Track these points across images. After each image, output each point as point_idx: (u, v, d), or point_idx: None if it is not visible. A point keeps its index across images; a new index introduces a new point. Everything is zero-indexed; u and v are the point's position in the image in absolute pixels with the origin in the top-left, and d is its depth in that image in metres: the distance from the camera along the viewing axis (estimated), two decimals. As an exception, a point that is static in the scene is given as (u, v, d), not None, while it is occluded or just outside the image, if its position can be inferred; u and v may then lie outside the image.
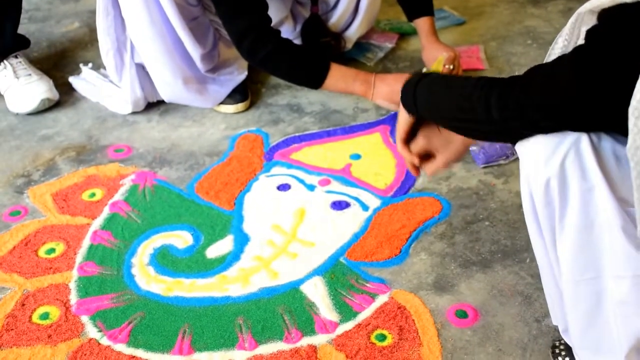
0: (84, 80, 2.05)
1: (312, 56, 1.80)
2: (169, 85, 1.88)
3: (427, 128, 1.21)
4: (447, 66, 1.87)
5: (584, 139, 0.94)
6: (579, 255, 1.01)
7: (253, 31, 1.74)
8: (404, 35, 2.25)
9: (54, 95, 1.99)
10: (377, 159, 1.75)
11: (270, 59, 1.78)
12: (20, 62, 2.01)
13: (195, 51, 1.84)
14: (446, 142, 1.20)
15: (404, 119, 1.20)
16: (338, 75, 1.79)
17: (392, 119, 1.88)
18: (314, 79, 1.79)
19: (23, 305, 1.39)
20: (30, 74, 1.99)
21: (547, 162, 0.97)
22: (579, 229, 0.99)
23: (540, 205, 1.01)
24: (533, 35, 2.17)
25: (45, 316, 1.37)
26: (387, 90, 1.78)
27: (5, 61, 2.00)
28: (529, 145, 1.00)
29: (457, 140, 1.19)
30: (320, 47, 2.02)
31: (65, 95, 2.04)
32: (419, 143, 1.22)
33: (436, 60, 1.87)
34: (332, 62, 1.78)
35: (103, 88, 2.01)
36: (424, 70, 1.91)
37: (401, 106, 1.19)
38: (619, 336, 1.02)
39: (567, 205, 0.98)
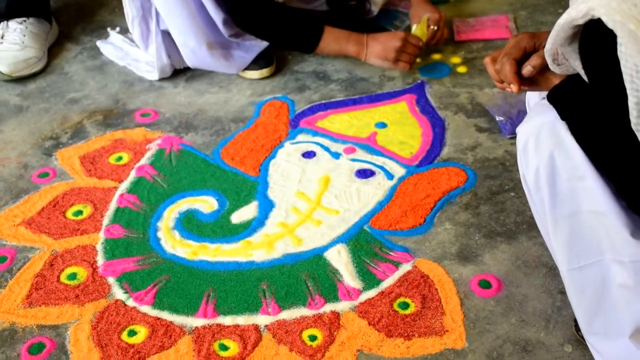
0: (111, 45, 2.04)
1: (305, 21, 1.82)
2: (194, 50, 1.86)
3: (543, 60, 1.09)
4: (431, 27, 1.89)
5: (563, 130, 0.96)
6: (573, 244, 1.02)
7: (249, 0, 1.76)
8: (432, 4, 2.19)
9: (11, 71, 1.92)
10: (402, 127, 1.72)
11: (264, 25, 1.81)
12: (18, 29, 1.97)
13: (217, 15, 1.82)
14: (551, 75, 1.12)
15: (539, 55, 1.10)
16: (331, 38, 1.81)
17: (419, 88, 1.85)
18: (308, 44, 1.82)
19: (52, 265, 1.41)
20: (15, 43, 1.94)
21: (537, 150, 0.98)
22: (570, 218, 1.00)
23: (532, 190, 1.03)
24: (564, 4, 2.11)
25: (72, 276, 1.38)
26: (380, 48, 1.81)
27: (6, 22, 1.98)
28: (522, 130, 1.01)
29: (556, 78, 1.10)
30: (347, 11, 2.01)
31: (93, 60, 2.04)
32: (537, 60, 1.10)
33: (421, 19, 1.88)
34: (325, 26, 1.80)
35: (130, 52, 2.00)
36: (413, 29, 1.89)
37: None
38: (623, 318, 1.02)
39: (556, 195, 0.99)
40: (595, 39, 0.84)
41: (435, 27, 1.89)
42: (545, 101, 1.00)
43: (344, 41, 1.81)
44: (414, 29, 1.88)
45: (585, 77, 0.92)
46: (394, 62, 1.81)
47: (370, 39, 1.81)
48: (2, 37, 1.96)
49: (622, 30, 0.79)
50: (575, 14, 0.85)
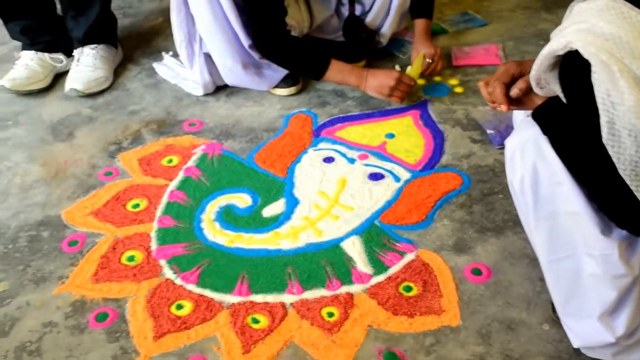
0: (165, 66, 2.05)
1: (316, 53, 1.81)
2: (231, 69, 1.85)
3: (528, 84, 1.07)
4: (427, 60, 1.86)
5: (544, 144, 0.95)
6: (552, 239, 1.01)
7: (270, 32, 1.75)
8: (433, 34, 2.17)
9: (85, 88, 1.93)
10: (408, 138, 1.71)
11: (282, 55, 1.79)
12: (91, 54, 1.99)
13: (245, 41, 1.80)
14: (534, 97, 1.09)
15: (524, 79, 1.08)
16: (336, 69, 1.79)
17: (422, 105, 1.84)
18: (317, 72, 1.80)
19: (114, 249, 1.41)
20: (88, 65, 1.96)
21: (522, 160, 0.98)
22: (549, 218, 0.99)
23: (518, 194, 1.02)
24: (545, 37, 2.07)
25: (131, 258, 1.39)
26: (377, 84, 1.77)
27: (82, 47, 2.00)
28: (509, 142, 1.01)
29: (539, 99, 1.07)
30: (360, 42, 1.99)
31: (150, 78, 2.04)
32: (522, 84, 1.08)
33: (417, 56, 1.85)
34: (332, 59, 1.78)
35: (180, 72, 2.00)
36: (408, 69, 1.84)
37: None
38: (592, 302, 1.02)
39: (538, 198, 0.98)
40: (573, 67, 0.84)
41: (430, 60, 1.86)
42: (530, 118, 0.99)
43: (347, 74, 1.78)
44: (409, 69, 1.83)
45: (564, 99, 0.91)
46: (387, 96, 1.79)
47: (369, 74, 1.78)
48: (78, 61, 1.99)
49: (596, 60, 0.79)
50: (556, 45, 0.85)
